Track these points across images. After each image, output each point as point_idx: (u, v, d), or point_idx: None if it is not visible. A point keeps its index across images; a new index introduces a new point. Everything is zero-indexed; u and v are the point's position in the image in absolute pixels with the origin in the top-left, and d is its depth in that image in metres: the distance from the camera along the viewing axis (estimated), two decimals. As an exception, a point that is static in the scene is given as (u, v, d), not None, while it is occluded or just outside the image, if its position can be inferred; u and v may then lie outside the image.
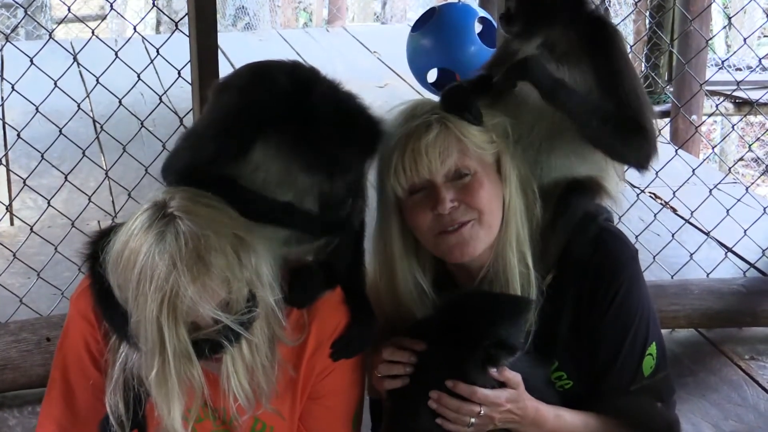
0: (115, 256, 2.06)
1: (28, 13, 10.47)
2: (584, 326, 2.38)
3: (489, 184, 2.33)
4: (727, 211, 4.54)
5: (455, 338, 2.25)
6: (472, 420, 2.25)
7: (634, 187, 4.82)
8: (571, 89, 2.37)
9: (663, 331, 2.55)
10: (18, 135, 4.05)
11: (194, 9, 3.55)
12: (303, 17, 14.00)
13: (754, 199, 5.00)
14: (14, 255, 3.98)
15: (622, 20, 8.45)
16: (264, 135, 2.16)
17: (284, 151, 2.17)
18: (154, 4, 4.67)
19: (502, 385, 2.26)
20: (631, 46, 6.25)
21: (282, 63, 2.27)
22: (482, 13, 5.64)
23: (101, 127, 4.11)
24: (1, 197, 4.86)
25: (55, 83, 3.82)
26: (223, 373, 2.10)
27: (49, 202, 4.03)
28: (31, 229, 3.98)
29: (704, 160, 5.87)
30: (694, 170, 4.69)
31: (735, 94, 7.22)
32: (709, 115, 7.57)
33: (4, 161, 4.68)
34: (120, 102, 3.99)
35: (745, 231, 4.51)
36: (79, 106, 4.02)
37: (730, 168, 6.05)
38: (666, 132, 7.07)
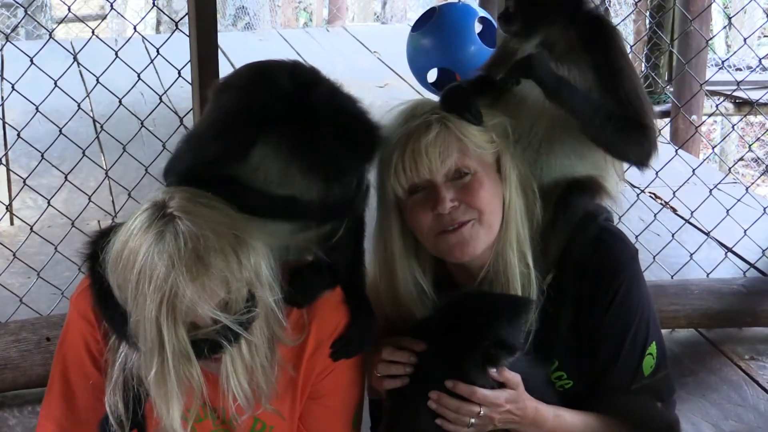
0: (115, 256, 2.06)
1: (28, 12, 10.47)
2: (584, 326, 2.38)
3: (489, 184, 2.33)
4: (727, 211, 4.54)
5: (455, 338, 2.25)
6: (472, 420, 2.25)
7: (634, 187, 4.82)
8: (573, 87, 2.37)
9: (663, 331, 2.55)
10: (18, 135, 4.05)
11: (194, 9, 3.55)
12: (303, 17, 14.00)
13: (754, 199, 5.00)
14: (14, 255, 3.98)
15: (622, 20, 8.45)
16: (264, 135, 2.16)
17: (284, 151, 2.17)
18: (154, 4, 4.68)
19: (501, 385, 2.26)
20: (631, 46, 6.25)
21: (282, 63, 2.27)
22: (482, 12, 5.64)
23: (101, 126, 4.11)
24: (1, 197, 4.86)
25: (55, 83, 3.82)
26: (222, 373, 2.10)
27: (49, 202, 4.03)
28: (31, 228, 3.98)
29: (704, 160, 5.87)
30: (694, 170, 4.69)
31: (735, 94, 7.21)
32: (709, 115, 7.58)
33: (4, 161, 4.67)
34: (120, 102, 3.99)
35: (745, 231, 4.51)
36: (79, 105, 4.02)
37: (730, 168, 6.06)
38: (666, 132, 7.07)
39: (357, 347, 2.33)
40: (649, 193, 5.12)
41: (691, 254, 4.40)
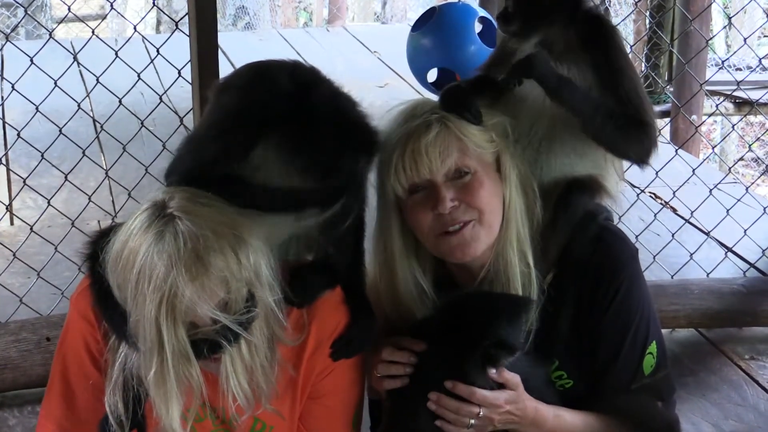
0: (115, 255, 2.06)
1: (28, 12, 10.47)
2: (585, 325, 2.38)
3: (489, 184, 2.33)
4: (727, 211, 4.54)
5: (455, 338, 2.25)
6: (472, 421, 2.25)
7: (634, 187, 4.82)
8: (574, 86, 2.37)
9: (663, 331, 2.55)
10: (18, 135, 4.05)
11: (194, 9, 3.55)
12: (303, 17, 14.00)
13: (754, 199, 5.00)
14: (14, 255, 3.98)
15: (622, 20, 8.45)
16: (265, 135, 2.16)
17: (285, 151, 2.17)
18: (154, 3, 4.69)
19: (501, 386, 2.26)
20: (631, 46, 6.26)
21: (282, 63, 2.27)
22: (482, 12, 5.63)
23: (101, 126, 4.10)
24: (1, 197, 4.86)
25: (55, 83, 3.82)
26: (222, 373, 2.10)
27: (49, 202, 4.03)
28: (31, 228, 3.98)
29: (704, 160, 5.87)
30: (694, 170, 4.69)
31: (735, 94, 7.22)
32: (709, 115, 7.58)
33: (4, 161, 4.67)
34: (120, 102, 3.99)
35: (745, 231, 4.51)
36: (79, 105, 4.02)
37: (730, 168, 6.05)
38: (666, 132, 7.07)
39: (357, 347, 2.33)
40: (649, 192, 5.12)
41: (691, 254, 4.40)
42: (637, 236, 3.97)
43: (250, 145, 2.16)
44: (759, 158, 8.45)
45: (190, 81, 3.66)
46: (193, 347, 2.03)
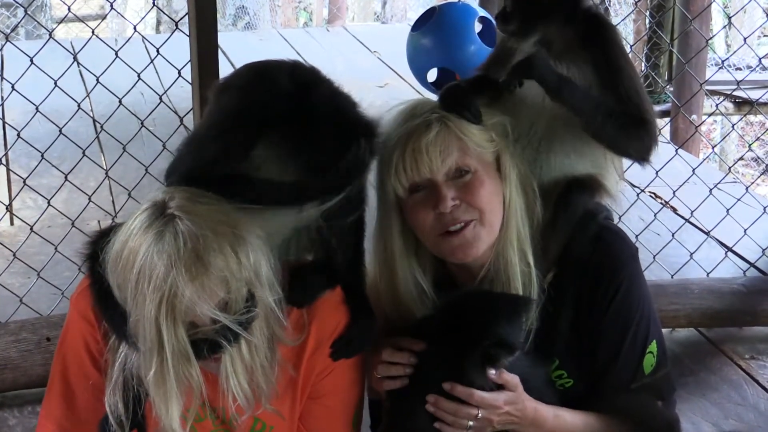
0: (115, 255, 2.06)
1: (28, 12, 10.47)
2: (585, 324, 2.38)
3: (489, 183, 2.33)
4: (727, 210, 4.54)
5: (455, 338, 2.25)
6: (470, 423, 2.25)
7: (634, 186, 4.82)
8: (575, 85, 2.37)
9: (663, 330, 2.55)
10: (18, 135, 4.05)
11: (194, 9, 3.55)
12: (303, 17, 13.99)
13: (754, 198, 5.00)
14: (14, 255, 3.98)
15: (622, 20, 8.44)
16: (265, 135, 2.16)
17: (285, 151, 2.17)
18: (154, 3, 4.69)
19: (500, 387, 2.26)
20: (631, 46, 6.26)
21: (282, 63, 2.27)
22: (482, 12, 5.63)
23: (101, 126, 4.11)
24: (1, 197, 4.86)
25: (55, 83, 3.82)
26: (222, 373, 2.10)
27: (49, 202, 4.03)
28: (31, 228, 3.98)
29: (704, 159, 5.88)
30: (694, 170, 4.68)
31: (735, 93, 7.22)
32: (709, 115, 7.58)
33: (4, 161, 4.67)
34: (120, 102, 3.99)
35: (745, 230, 4.51)
36: (79, 105, 4.02)
37: (730, 167, 6.05)
38: (666, 132, 7.07)
39: (357, 347, 2.33)
40: (649, 192, 5.12)
41: (691, 254, 4.40)
42: (637, 236, 3.97)
43: (250, 145, 2.16)
44: (759, 158, 8.44)
45: (190, 81, 3.66)
46: (193, 347, 2.03)
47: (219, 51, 3.64)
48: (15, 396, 3.61)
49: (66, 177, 4.03)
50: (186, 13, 3.68)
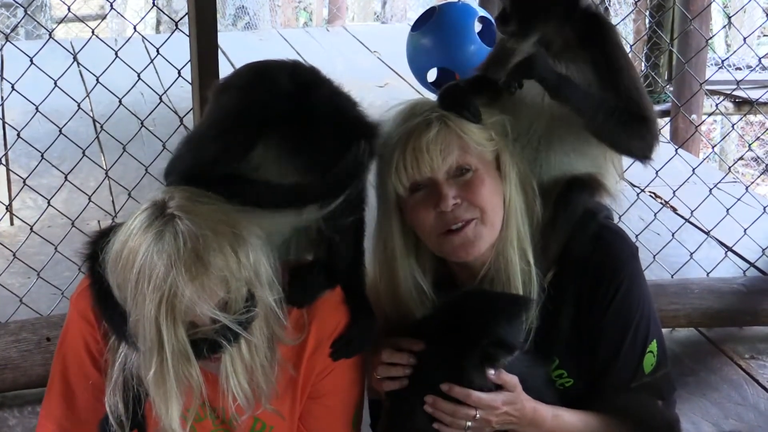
0: (114, 255, 2.06)
1: (28, 12, 10.46)
2: (585, 324, 2.38)
3: (490, 181, 2.33)
4: (727, 210, 4.54)
5: (454, 338, 2.25)
6: (469, 423, 2.25)
7: (634, 186, 4.82)
8: (575, 84, 2.37)
9: (663, 330, 2.55)
10: (18, 135, 4.05)
11: (194, 9, 3.55)
12: (303, 17, 13.99)
13: (754, 198, 5.00)
14: (14, 255, 3.98)
15: (622, 20, 8.44)
16: (265, 135, 2.16)
17: (285, 151, 2.17)
18: (154, 3, 4.68)
19: (499, 387, 2.26)
20: (631, 46, 6.26)
21: (282, 63, 2.27)
22: (482, 12, 5.63)
23: (101, 126, 4.10)
24: (1, 197, 4.86)
25: (55, 83, 3.82)
26: (222, 373, 2.10)
27: (49, 202, 4.03)
28: (31, 228, 3.98)
29: (704, 159, 5.89)
30: (694, 169, 4.68)
31: (735, 93, 7.22)
32: (709, 115, 7.58)
33: (4, 161, 4.68)
34: (120, 102, 3.99)
35: (745, 230, 4.51)
36: (79, 105, 4.02)
37: (730, 167, 6.06)
38: (666, 131, 7.07)
39: (357, 347, 2.33)
40: (649, 192, 5.12)
41: (691, 253, 4.40)
42: (637, 236, 3.97)
43: (250, 145, 2.15)
44: (759, 157, 8.44)
45: (190, 81, 3.66)
46: (193, 347, 2.03)
47: (219, 51, 3.64)
48: (15, 396, 3.61)
49: (66, 177, 4.03)
50: (186, 13, 3.68)
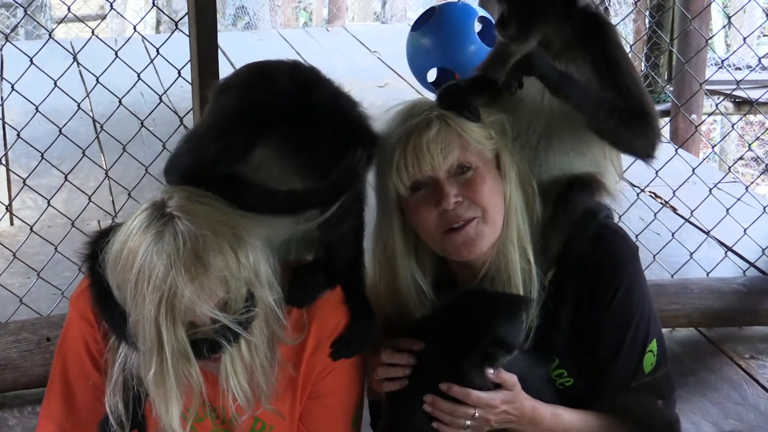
0: (114, 255, 2.06)
1: (28, 12, 10.46)
2: (585, 323, 2.38)
3: (491, 180, 2.33)
4: (727, 210, 4.54)
5: (453, 337, 2.25)
6: (468, 422, 2.25)
7: (634, 186, 4.82)
8: (576, 81, 2.37)
9: (663, 330, 2.55)
10: (18, 135, 4.05)
11: (194, 9, 3.55)
12: (303, 17, 13.99)
13: (754, 198, 5.00)
14: (14, 255, 3.98)
15: (622, 20, 8.44)
16: (265, 136, 2.16)
17: (285, 151, 2.17)
18: (154, 3, 4.68)
19: (498, 385, 2.26)
20: (630, 46, 6.27)
21: (282, 63, 2.27)
22: (482, 12, 5.63)
23: (101, 126, 4.11)
24: (1, 197, 4.86)
25: (55, 83, 3.82)
26: (222, 373, 2.10)
27: (49, 202, 4.03)
28: (31, 229, 3.98)
29: (704, 159, 5.89)
30: (694, 169, 4.69)
31: (735, 93, 7.22)
32: (709, 115, 7.58)
33: (4, 161, 4.68)
34: (120, 102, 3.99)
35: (745, 230, 4.51)
36: (79, 105, 4.02)
37: (730, 167, 6.06)
38: (666, 131, 7.07)
39: (357, 347, 2.33)
40: (649, 192, 5.12)
41: (691, 253, 4.40)
42: (637, 235, 3.97)
43: (250, 145, 2.16)
44: (759, 157, 8.44)
45: (190, 81, 3.66)
46: (193, 347, 2.03)
47: (219, 51, 3.64)
48: (15, 396, 3.61)
49: (66, 177, 4.03)
50: (186, 13, 3.68)
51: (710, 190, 4.64)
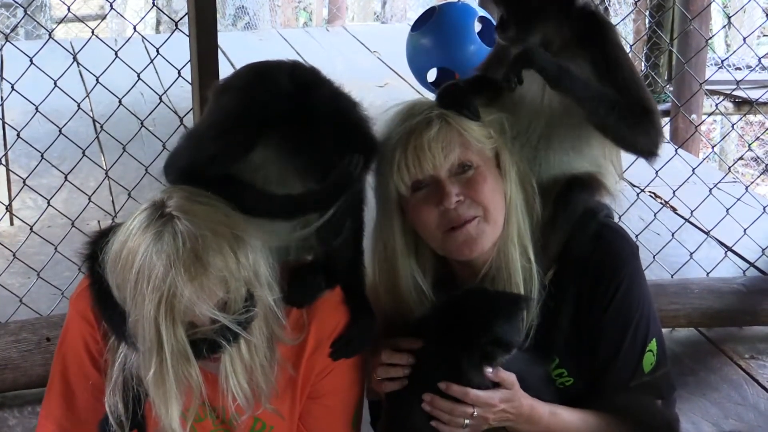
0: (114, 256, 2.06)
1: (28, 12, 10.46)
2: (585, 322, 2.38)
3: (491, 179, 2.33)
4: (727, 210, 4.54)
5: (452, 336, 2.25)
6: (467, 421, 2.25)
7: (634, 186, 4.82)
8: (575, 74, 2.36)
9: (663, 330, 2.55)
10: (18, 135, 4.05)
11: (194, 9, 3.55)
12: (303, 17, 13.99)
13: (754, 198, 5.00)
14: (14, 255, 3.98)
15: (622, 20, 8.44)
16: (265, 136, 2.16)
17: (284, 152, 2.17)
18: (154, 3, 4.68)
19: (497, 385, 2.26)
20: (630, 46, 6.27)
21: (282, 63, 2.27)
22: (482, 12, 5.63)
23: (101, 126, 4.11)
24: (1, 197, 4.86)
25: (55, 83, 3.82)
26: (221, 372, 2.10)
27: (49, 202, 4.03)
28: (31, 229, 3.98)
29: (704, 159, 5.89)
30: (693, 169, 4.69)
31: (734, 93, 7.22)
32: (709, 115, 7.59)
33: (4, 161, 4.68)
34: (120, 102, 3.99)
35: (744, 230, 4.51)
36: (79, 105, 4.02)
37: (729, 167, 6.05)
38: (666, 131, 7.07)
39: (357, 347, 2.33)
40: (649, 192, 5.12)
41: (691, 253, 4.40)
42: (637, 235, 3.97)
43: (250, 146, 2.15)
44: (759, 157, 8.44)
45: (190, 81, 3.66)
46: (193, 347, 2.03)
47: (219, 51, 3.64)
48: (15, 396, 3.61)
49: (66, 177, 4.03)
50: (186, 13, 3.68)
51: (710, 190, 4.64)
